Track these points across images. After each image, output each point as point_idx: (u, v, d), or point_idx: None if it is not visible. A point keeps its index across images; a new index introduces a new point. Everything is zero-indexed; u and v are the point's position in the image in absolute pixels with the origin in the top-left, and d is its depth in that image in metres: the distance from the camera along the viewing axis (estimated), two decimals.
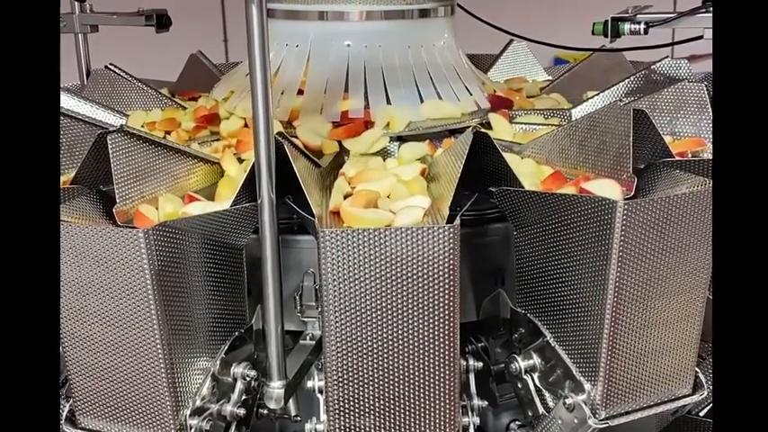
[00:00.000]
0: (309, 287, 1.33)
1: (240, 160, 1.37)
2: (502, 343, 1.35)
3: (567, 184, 1.24)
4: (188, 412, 1.13)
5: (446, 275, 1.03)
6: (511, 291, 1.29)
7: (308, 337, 1.35)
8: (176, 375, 1.10)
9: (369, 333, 1.06)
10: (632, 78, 1.67)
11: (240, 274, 1.25)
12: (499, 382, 1.34)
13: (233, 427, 1.22)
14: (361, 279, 1.04)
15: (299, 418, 1.39)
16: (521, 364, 1.23)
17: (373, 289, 1.04)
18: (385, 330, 1.05)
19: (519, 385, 1.25)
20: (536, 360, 1.22)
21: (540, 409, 1.21)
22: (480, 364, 1.21)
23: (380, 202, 1.17)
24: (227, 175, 1.34)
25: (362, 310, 1.05)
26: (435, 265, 1.03)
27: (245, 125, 1.49)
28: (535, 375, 1.23)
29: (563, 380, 1.16)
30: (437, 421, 1.09)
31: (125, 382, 1.11)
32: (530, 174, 1.26)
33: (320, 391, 1.17)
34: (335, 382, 1.08)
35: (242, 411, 1.20)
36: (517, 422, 1.43)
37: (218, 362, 1.19)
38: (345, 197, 1.17)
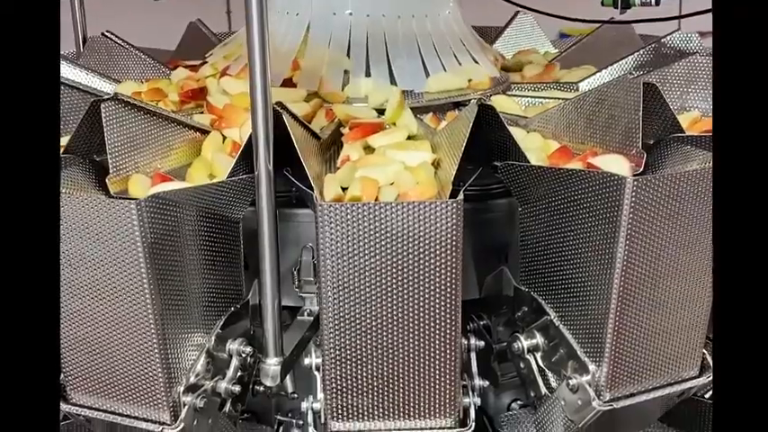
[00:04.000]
0: (308, 262, 1.30)
1: (223, 138, 1.33)
2: (504, 321, 1.32)
3: (574, 160, 1.20)
4: (182, 389, 1.10)
5: (448, 251, 1.00)
6: (514, 268, 1.26)
7: (305, 313, 1.32)
8: (170, 351, 1.07)
9: (368, 310, 1.03)
10: (641, 52, 1.63)
11: (237, 248, 1.22)
12: (501, 362, 1.31)
13: (228, 404, 1.19)
14: (361, 254, 1.00)
15: (295, 396, 1.37)
16: (523, 343, 1.20)
17: (373, 265, 1.01)
18: (384, 307, 1.02)
19: (521, 365, 1.22)
20: (539, 339, 1.19)
21: (543, 390, 1.19)
22: (482, 344, 1.18)
23: (383, 191, 1.12)
24: (203, 157, 1.29)
25: (361, 287, 1.02)
26: (437, 241, 0.99)
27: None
28: (538, 355, 1.20)
29: (567, 360, 1.13)
30: (437, 401, 1.07)
31: (117, 358, 1.08)
32: (536, 148, 1.23)
33: (317, 369, 1.14)
34: (333, 360, 1.05)
35: (237, 388, 1.18)
36: (518, 402, 1.40)
37: (213, 337, 1.16)
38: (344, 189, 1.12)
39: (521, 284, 1.23)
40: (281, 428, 1.40)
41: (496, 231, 1.31)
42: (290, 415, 1.41)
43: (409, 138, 1.31)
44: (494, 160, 1.21)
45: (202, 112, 1.42)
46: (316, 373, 1.15)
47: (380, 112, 1.39)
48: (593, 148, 1.23)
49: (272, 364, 1.16)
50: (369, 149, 1.27)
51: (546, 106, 1.42)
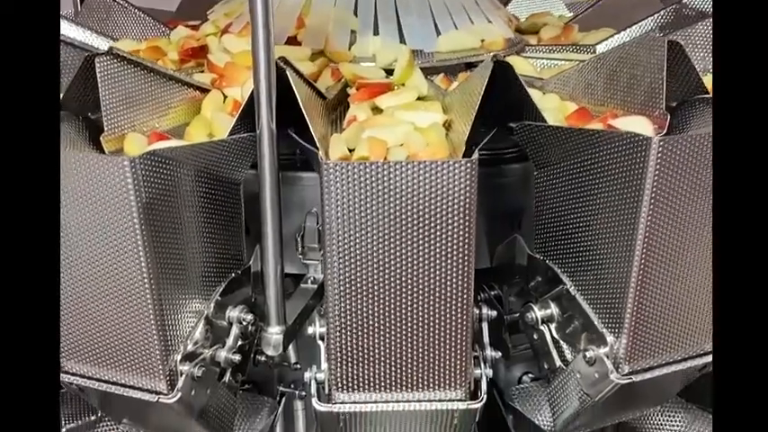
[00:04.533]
0: (312, 228, 1.25)
1: (224, 97, 1.27)
2: (516, 292, 1.27)
3: (594, 121, 1.14)
4: (179, 357, 1.05)
5: (462, 214, 0.94)
6: (528, 235, 1.20)
7: (309, 281, 1.27)
8: (166, 317, 1.02)
9: (375, 276, 0.97)
10: (662, 13, 1.55)
11: (237, 211, 1.16)
12: (512, 333, 1.26)
13: (227, 374, 1.14)
14: (368, 217, 0.95)
15: (298, 366, 1.32)
16: (537, 313, 1.14)
17: (381, 228, 0.95)
18: (393, 273, 0.97)
19: (534, 336, 1.16)
20: (554, 310, 1.14)
21: (557, 362, 1.13)
22: (494, 313, 1.12)
23: (392, 152, 1.06)
24: (202, 116, 1.23)
25: (368, 252, 0.96)
26: (450, 204, 0.93)
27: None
28: (552, 326, 1.14)
29: (583, 331, 1.08)
30: (447, 372, 1.01)
31: (111, 324, 1.03)
32: (553, 109, 1.16)
33: (321, 338, 1.09)
34: (337, 329, 1.00)
35: (237, 357, 1.12)
36: (530, 375, 1.35)
37: (212, 304, 1.11)
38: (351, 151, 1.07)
39: (535, 252, 1.17)
40: (283, 399, 1.35)
41: (509, 197, 1.25)
42: (292, 386, 1.36)
43: (419, 99, 1.24)
44: (508, 122, 1.15)
45: (203, 71, 1.36)
46: (320, 342, 1.09)
47: (389, 72, 1.32)
48: (614, 110, 1.16)
49: (274, 332, 1.11)
50: (376, 110, 1.21)
51: (562, 68, 1.35)
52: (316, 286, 1.25)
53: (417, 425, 1.06)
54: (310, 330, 1.10)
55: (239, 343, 1.14)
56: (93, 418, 1.27)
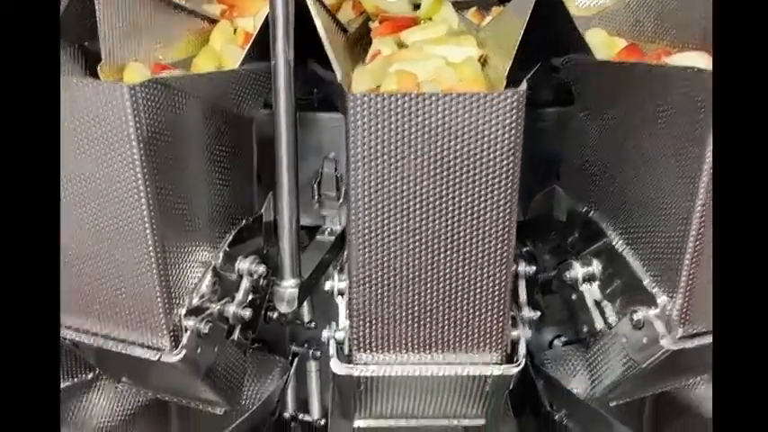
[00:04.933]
0: (330, 174, 1.15)
1: (234, 29, 1.16)
2: (551, 248, 1.16)
3: (645, 59, 1.03)
4: (183, 311, 0.95)
5: (506, 155, 0.83)
6: (568, 185, 1.10)
7: (326, 233, 1.17)
8: (169, 266, 0.91)
9: (404, 224, 0.86)
10: None
11: (248, 152, 1.06)
12: (545, 294, 1.16)
13: (237, 331, 1.04)
14: (398, 157, 0.84)
15: (312, 325, 1.23)
16: (578, 271, 1.04)
17: (413, 170, 0.84)
18: (425, 221, 0.86)
19: (573, 296, 1.06)
20: (596, 267, 1.03)
21: (599, 325, 1.03)
22: (533, 269, 1.02)
23: (423, 87, 0.95)
24: (210, 47, 1.12)
25: (398, 197, 0.85)
26: (494, 142, 0.82)
27: None
28: (594, 285, 1.04)
29: (630, 291, 0.97)
30: (482, 333, 0.91)
31: (109, 273, 0.93)
32: (601, 44, 1.05)
33: (340, 294, 0.99)
34: (360, 282, 0.89)
35: (248, 313, 1.02)
36: (562, 339, 1.25)
37: (220, 254, 1.01)
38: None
39: (576, 204, 1.07)
40: (296, 360, 1.25)
41: (546, 144, 1.14)
42: (306, 345, 1.26)
43: (449, 34, 1.13)
44: (550, 58, 1.04)
45: (212, 2, 1.24)
46: (338, 299, 0.99)
47: (416, 6, 1.21)
48: (665, 48, 1.05)
49: (289, 286, 1.01)
50: (402, 46, 1.10)
51: (606, 4, 1.23)
52: (333, 238, 1.15)
53: (445, 390, 0.96)
54: (328, 285, 1.00)
55: (250, 297, 1.04)
56: (89, 376, 1.18)
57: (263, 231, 1.09)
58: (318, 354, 1.25)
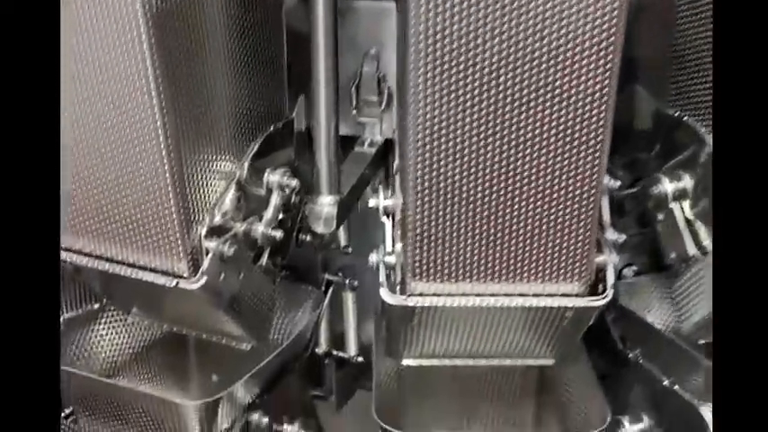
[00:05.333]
0: (370, 75, 0.99)
1: None
2: (626, 162, 1.00)
3: None
4: (203, 231, 0.80)
5: (604, 38, 0.66)
6: (651, 85, 0.93)
7: (365, 144, 1.01)
8: (186, 178, 0.77)
9: (475, 128, 0.70)
10: None
11: (278, 46, 0.89)
12: (620, 216, 1.00)
13: (265, 255, 0.90)
14: (471, 47, 0.67)
15: (349, 250, 1.08)
16: (667, 186, 0.88)
17: (488, 62, 0.67)
18: (500, 124, 0.70)
19: (659, 216, 0.90)
20: (688, 182, 0.87)
21: (691, 250, 0.87)
22: (617, 184, 0.85)
23: None
24: None
25: (468, 95, 0.69)
26: (590, 29, 0.65)
27: None
28: (686, 203, 0.88)
29: None
30: (563, 259, 0.76)
31: (115, 186, 0.78)
32: None
33: (387, 214, 0.83)
34: (420, 199, 0.73)
35: (278, 234, 0.87)
36: (633, 267, 1.09)
37: (245, 164, 0.85)
38: None
39: (663, 107, 0.90)
40: (330, 290, 1.10)
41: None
42: (340, 274, 1.11)
43: None
44: None
45: None
46: (384, 219, 0.84)
47: None
48: None
49: (326, 204, 0.87)
50: None
51: None
52: (374, 150, 0.99)
53: (514, 326, 0.82)
54: (372, 203, 0.85)
55: (280, 216, 0.89)
56: (95, 306, 1.04)
57: (293, 140, 0.93)
58: (356, 283, 1.10)
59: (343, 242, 1.07)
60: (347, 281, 1.10)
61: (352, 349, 1.13)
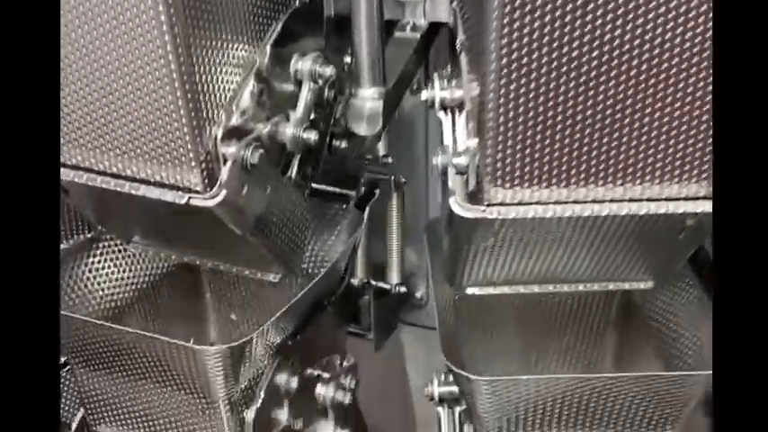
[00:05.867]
0: None
1: None
2: None
3: None
4: (219, 133, 0.63)
5: None
6: None
7: (407, 28, 0.83)
8: (194, 63, 0.59)
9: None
10: None
11: None
12: None
13: (295, 164, 0.72)
14: None
15: (389, 160, 0.90)
16: None
17: None
18: None
19: None
20: None
21: None
22: None
23: None
24: None
25: None
26: None
27: None
28: None
29: None
30: (680, 154, 0.59)
31: (107, 79, 0.60)
32: None
33: (444, 108, 0.66)
34: (504, 86, 0.56)
35: (312, 136, 0.70)
36: None
37: (266, 49, 0.67)
38: None
39: None
40: (368, 209, 0.92)
41: None
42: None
43: None
44: None
45: None
46: (441, 114, 0.67)
47: None
48: None
49: (369, 98, 0.69)
50: None
51: None
52: (417, 35, 0.81)
53: (618, 239, 0.65)
54: (425, 95, 0.67)
55: (312, 116, 0.71)
56: (88, 235, 0.87)
57: (324, 22, 0.75)
58: (403, 179, 0.93)
59: (382, 150, 0.90)
60: (392, 177, 0.91)
61: (394, 277, 0.96)
